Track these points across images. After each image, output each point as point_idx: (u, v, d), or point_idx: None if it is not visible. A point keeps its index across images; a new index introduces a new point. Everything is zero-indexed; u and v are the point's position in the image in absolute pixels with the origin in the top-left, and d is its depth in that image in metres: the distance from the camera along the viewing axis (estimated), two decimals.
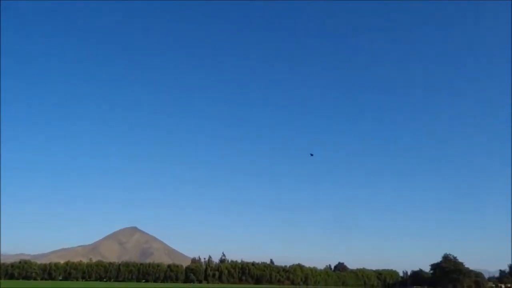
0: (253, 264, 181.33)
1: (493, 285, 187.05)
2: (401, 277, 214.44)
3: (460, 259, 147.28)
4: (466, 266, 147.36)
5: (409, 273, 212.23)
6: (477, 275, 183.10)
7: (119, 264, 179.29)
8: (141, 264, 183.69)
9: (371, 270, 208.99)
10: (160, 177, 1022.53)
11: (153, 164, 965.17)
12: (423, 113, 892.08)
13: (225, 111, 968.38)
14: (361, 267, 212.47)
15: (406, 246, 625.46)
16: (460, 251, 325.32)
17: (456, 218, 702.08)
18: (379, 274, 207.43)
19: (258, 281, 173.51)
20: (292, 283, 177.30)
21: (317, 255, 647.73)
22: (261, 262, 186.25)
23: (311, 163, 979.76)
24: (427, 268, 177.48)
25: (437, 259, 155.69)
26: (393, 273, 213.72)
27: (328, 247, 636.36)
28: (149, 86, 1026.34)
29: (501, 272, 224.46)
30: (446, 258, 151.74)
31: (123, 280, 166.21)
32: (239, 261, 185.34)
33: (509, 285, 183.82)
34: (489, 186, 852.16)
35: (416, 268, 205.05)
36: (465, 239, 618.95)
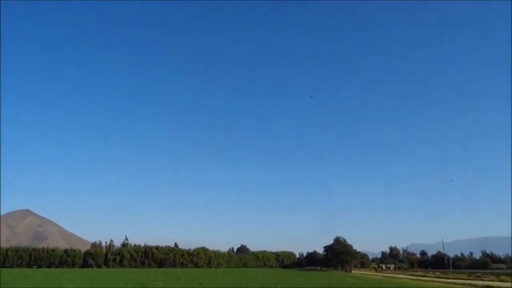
0: (157, 248, 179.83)
1: (376, 265, 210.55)
2: (298, 258, 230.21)
3: (349, 242, 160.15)
4: (354, 248, 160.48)
5: (304, 255, 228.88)
6: (363, 256, 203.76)
7: (7, 249, 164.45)
8: (33, 249, 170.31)
9: (271, 252, 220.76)
10: (56, 155, 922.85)
11: (47, 142, 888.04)
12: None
13: None
14: (262, 250, 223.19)
15: (304, 231, 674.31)
16: (350, 234, 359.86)
17: (347, 205, 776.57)
18: (277, 255, 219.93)
19: (161, 264, 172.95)
20: (196, 265, 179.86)
21: (221, 238, 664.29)
22: (165, 246, 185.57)
23: (215, 143, 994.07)
24: (321, 250, 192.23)
25: (331, 241, 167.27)
26: (290, 254, 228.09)
27: (232, 230, 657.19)
28: None
29: (383, 253, 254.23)
30: (337, 240, 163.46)
31: (11, 266, 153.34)
32: (143, 245, 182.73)
33: (388, 265, 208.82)
34: (370, 181, 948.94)
35: (311, 250, 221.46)
36: (355, 225, 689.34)
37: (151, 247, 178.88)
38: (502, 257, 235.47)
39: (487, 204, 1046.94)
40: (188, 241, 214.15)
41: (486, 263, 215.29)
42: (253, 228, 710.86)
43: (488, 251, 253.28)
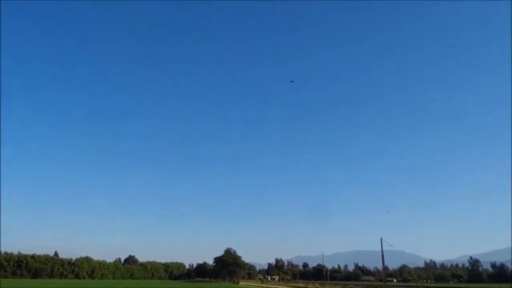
0: (32, 256, 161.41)
1: (261, 277, 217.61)
2: (187, 269, 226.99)
3: (239, 253, 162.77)
4: (243, 259, 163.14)
5: (194, 266, 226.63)
6: (250, 267, 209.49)
7: None
8: None
9: (160, 263, 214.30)
10: None
11: None
12: None
13: None
14: (151, 260, 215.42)
15: (196, 242, 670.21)
16: (240, 246, 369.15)
17: (240, 217, 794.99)
18: (166, 266, 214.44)
19: (36, 275, 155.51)
20: (77, 276, 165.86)
21: (108, 248, 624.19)
22: (44, 255, 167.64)
23: (96, 149, 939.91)
24: (211, 261, 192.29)
25: (222, 252, 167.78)
26: (180, 265, 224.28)
27: (120, 240, 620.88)
28: None
29: (269, 265, 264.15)
30: (227, 251, 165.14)
31: None
32: (16, 253, 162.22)
33: (273, 276, 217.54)
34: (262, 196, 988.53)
35: (201, 261, 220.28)
36: (245, 238, 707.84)
37: (25, 256, 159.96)
38: (372, 269, 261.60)
39: (363, 219, 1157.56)
40: (72, 250, 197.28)
41: (358, 275, 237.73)
42: (143, 238, 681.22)
43: (360, 264, 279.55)
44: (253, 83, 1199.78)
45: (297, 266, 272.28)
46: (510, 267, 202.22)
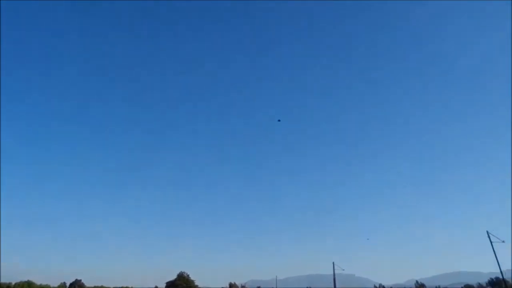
0: None
1: None
2: None
3: (192, 277, 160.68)
4: (197, 283, 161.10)
5: None
6: None
7: None
8: None
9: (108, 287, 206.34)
10: None
11: None
12: None
13: None
14: (99, 285, 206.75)
15: (148, 264, 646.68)
16: (193, 269, 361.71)
17: (191, 242, 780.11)
18: None
19: None
20: None
21: (53, 271, 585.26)
22: None
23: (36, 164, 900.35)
24: (163, 285, 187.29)
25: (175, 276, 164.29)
26: None
27: (67, 263, 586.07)
28: None
29: None
30: (180, 276, 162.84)
31: None
32: None
33: None
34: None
35: (153, 285, 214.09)
36: (199, 261, 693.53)
37: None
38: None
39: (316, 244, 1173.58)
40: (13, 274, 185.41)
41: None
42: (92, 261, 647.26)
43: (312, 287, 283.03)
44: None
45: None
46: None
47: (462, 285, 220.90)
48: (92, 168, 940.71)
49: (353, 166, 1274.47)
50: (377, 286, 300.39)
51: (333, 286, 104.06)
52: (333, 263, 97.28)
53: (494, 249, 57.47)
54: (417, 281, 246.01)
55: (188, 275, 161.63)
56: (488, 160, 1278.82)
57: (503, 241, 59.49)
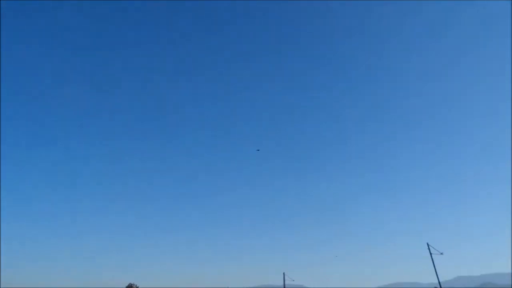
0: None
1: None
2: None
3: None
4: None
5: None
6: None
7: None
8: None
9: None
10: None
11: None
12: None
13: None
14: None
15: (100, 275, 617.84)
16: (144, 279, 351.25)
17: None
18: None
19: None
20: None
21: None
22: None
23: None
24: None
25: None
26: None
27: None
28: None
29: None
30: (129, 287, 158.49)
31: None
32: None
33: None
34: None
35: None
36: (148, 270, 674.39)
37: None
38: None
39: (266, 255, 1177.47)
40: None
41: None
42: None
43: None
44: None
45: None
46: None
47: None
48: None
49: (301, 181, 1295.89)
50: None
51: None
52: (284, 273, 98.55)
53: (433, 261, 60.95)
54: None
55: (137, 286, 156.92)
56: (429, 170, 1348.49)
57: (442, 253, 63.02)
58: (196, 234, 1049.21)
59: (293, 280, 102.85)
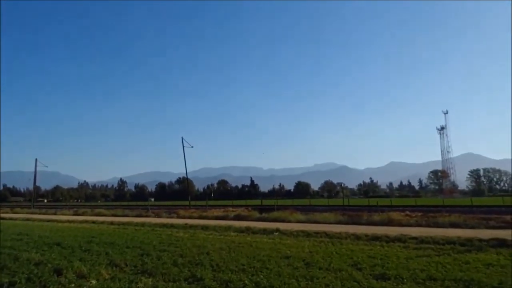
0: None
1: None
2: None
3: None
4: None
5: None
6: None
7: None
8: None
9: None
10: None
11: None
12: None
13: None
14: None
15: None
16: None
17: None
18: None
19: None
20: None
21: None
22: None
23: None
24: None
25: None
26: None
27: None
28: None
29: None
30: None
31: None
32: None
33: None
34: None
35: None
36: None
37: None
38: (23, 190, 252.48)
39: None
40: None
41: (6, 196, 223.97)
42: None
43: (9, 185, 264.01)
44: None
45: None
46: (148, 188, 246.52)
47: (157, 183, 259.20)
48: None
49: None
50: (82, 182, 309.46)
51: (33, 183, 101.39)
52: (36, 159, 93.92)
53: (185, 153, 69.60)
54: (120, 179, 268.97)
55: None
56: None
57: (192, 146, 72.44)
58: None
59: (47, 167, 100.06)
